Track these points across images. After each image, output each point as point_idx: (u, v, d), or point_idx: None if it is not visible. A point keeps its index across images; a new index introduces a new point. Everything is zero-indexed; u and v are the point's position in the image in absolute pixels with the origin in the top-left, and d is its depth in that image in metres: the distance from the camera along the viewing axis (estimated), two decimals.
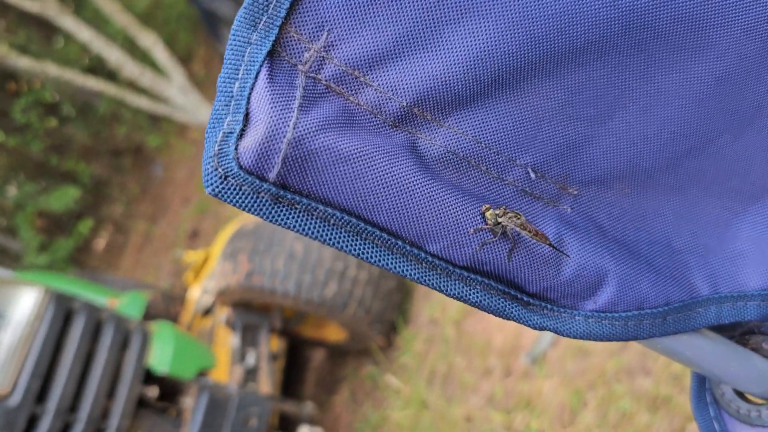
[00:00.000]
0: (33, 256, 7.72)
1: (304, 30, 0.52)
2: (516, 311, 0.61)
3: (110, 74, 7.22)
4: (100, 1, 5.75)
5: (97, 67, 7.87)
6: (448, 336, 3.39)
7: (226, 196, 0.51)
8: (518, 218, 0.57)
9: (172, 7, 8.50)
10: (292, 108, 0.51)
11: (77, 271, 6.90)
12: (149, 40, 5.76)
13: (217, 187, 0.50)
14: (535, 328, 0.62)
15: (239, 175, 0.50)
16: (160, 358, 3.09)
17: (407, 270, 0.57)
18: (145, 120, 8.62)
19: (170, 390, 3.24)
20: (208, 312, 3.93)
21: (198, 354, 3.34)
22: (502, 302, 0.60)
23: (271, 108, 0.50)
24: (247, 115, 0.50)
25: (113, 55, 5.70)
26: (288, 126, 0.50)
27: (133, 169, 9.65)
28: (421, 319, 3.63)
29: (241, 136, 0.50)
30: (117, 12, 5.74)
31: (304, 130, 0.50)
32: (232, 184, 0.50)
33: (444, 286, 0.58)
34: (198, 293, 4.04)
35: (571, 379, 2.68)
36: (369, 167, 0.53)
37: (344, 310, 3.33)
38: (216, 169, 0.50)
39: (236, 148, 0.50)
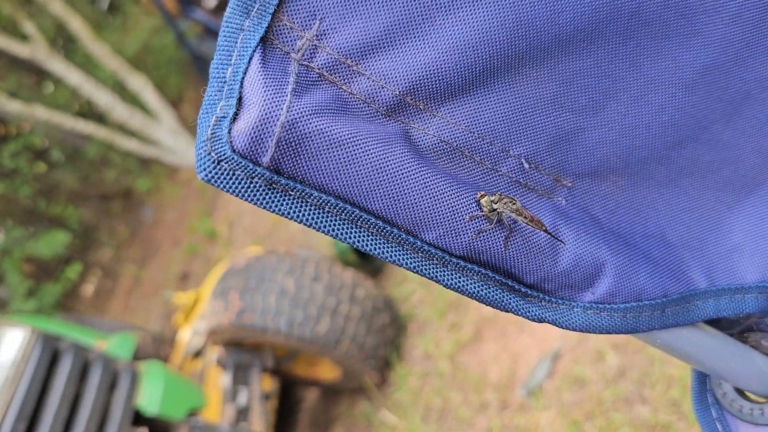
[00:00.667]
0: (20, 302, 7.62)
1: (297, 18, 0.53)
2: (514, 302, 0.60)
3: (100, 118, 7.26)
4: (90, 44, 5.81)
5: (87, 112, 7.91)
6: (442, 371, 3.34)
7: (219, 181, 0.50)
8: (513, 204, 0.57)
9: (162, 51, 8.61)
10: (285, 92, 0.51)
11: (64, 315, 6.80)
12: (139, 83, 5.81)
13: (210, 172, 0.50)
14: (534, 320, 0.61)
15: (233, 159, 0.49)
16: (150, 398, 3.02)
17: (403, 259, 0.56)
18: (135, 163, 8.63)
19: (160, 431, 3.17)
20: (198, 354, 3.87)
21: (188, 394, 3.27)
22: (500, 293, 0.59)
23: (265, 91, 0.50)
24: (240, 100, 0.50)
25: (103, 98, 5.74)
26: (281, 109, 0.50)
27: (122, 213, 9.61)
28: (415, 355, 3.58)
29: (234, 119, 0.50)
30: (107, 56, 5.80)
31: (297, 113, 0.50)
32: (225, 169, 0.50)
33: (441, 276, 0.57)
34: (188, 335, 3.98)
35: (568, 410, 2.65)
36: (363, 152, 0.53)
37: (337, 347, 3.28)
38: (209, 154, 0.50)
39: (229, 132, 0.50)
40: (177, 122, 5.94)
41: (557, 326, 0.62)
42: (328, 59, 0.54)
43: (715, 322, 0.76)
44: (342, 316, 3.33)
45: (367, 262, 4.24)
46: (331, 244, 4.46)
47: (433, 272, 0.57)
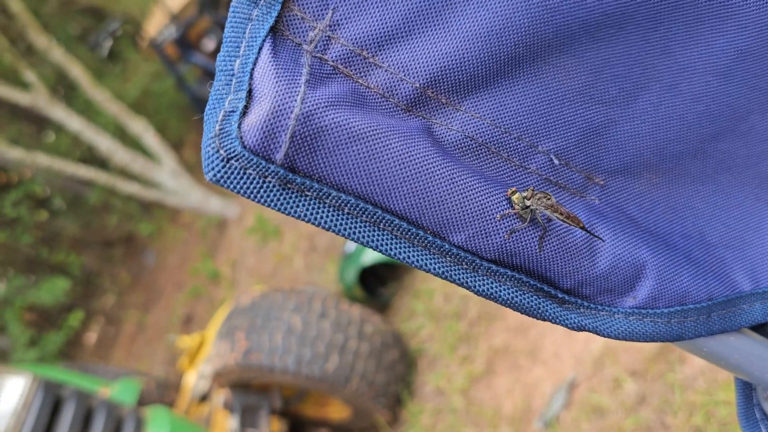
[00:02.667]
0: (21, 352, 7.51)
1: (308, 8, 0.49)
2: (551, 310, 0.55)
3: (101, 163, 7.27)
4: (91, 91, 5.84)
5: (89, 158, 7.92)
6: (455, 406, 3.25)
7: (229, 181, 0.46)
8: (548, 199, 0.52)
9: (162, 96, 8.67)
10: (299, 83, 0.47)
11: (67, 363, 6.70)
12: (140, 127, 5.83)
13: (219, 171, 0.46)
14: (573, 328, 0.56)
15: (243, 155, 0.45)
16: None
17: (430, 264, 0.51)
18: (136, 208, 8.62)
19: None
20: (204, 398, 3.78)
21: None
22: (536, 300, 0.55)
23: (277, 82, 0.46)
24: (250, 92, 0.46)
25: (104, 143, 5.75)
26: (296, 100, 0.46)
27: (124, 258, 9.56)
28: (426, 391, 3.49)
29: (244, 113, 0.46)
30: (107, 101, 5.82)
31: (313, 104, 0.46)
32: (235, 168, 0.46)
33: (471, 281, 0.53)
34: (194, 379, 3.90)
35: None
36: (384, 147, 0.48)
37: (347, 385, 3.20)
38: (218, 151, 0.45)
39: (239, 126, 0.46)
40: (178, 165, 5.94)
41: (598, 334, 0.57)
42: (342, 51, 0.50)
43: (759, 329, 0.71)
44: (351, 353, 3.25)
45: (374, 297, 4.17)
46: (336, 280, 4.40)
47: (462, 278, 0.52)
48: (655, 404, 2.41)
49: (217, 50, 6.25)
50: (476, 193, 0.51)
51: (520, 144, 0.56)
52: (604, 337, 0.57)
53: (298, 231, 5.60)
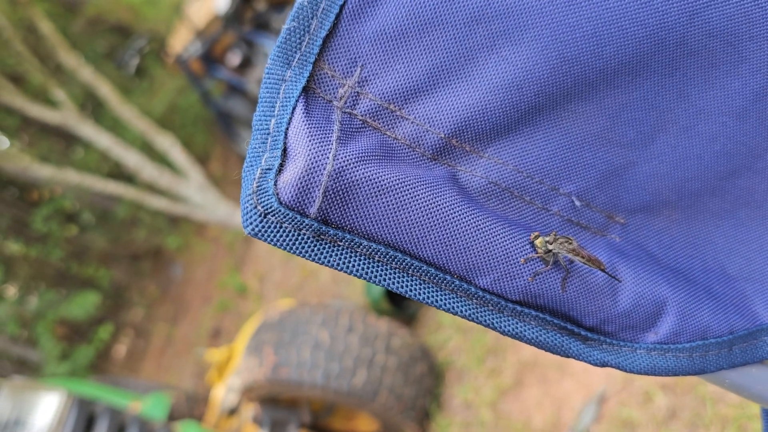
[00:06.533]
0: (54, 366, 7.65)
1: (338, 66, 0.52)
2: (575, 347, 0.57)
3: (129, 178, 7.39)
4: (119, 108, 5.95)
5: (117, 173, 8.07)
6: (484, 419, 3.25)
7: (266, 235, 0.49)
8: (570, 243, 0.55)
9: (188, 111, 8.80)
10: (330, 140, 0.49)
11: (98, 376, 6.81)
12: (167, 143, 5.92)
13: (257, 226, 0.49)
14: (597, 365, 0.58)
15: (279, 211, 0.48)
16: None
17: (458, 307, 0.54)
18: (164, 222, 8.74)
19: None
20: (233, 411, 3.82)
21: None
22: (560, 338, 0.57)
23: (310, 141, 0.49)
24: (284, 151, 0.49)
25: (132, 159, 5.84)
26: (328, 158, 0.49)
27: (152, 272, 9.69)
28: (454, 404, 3.50)
29: (280, 171, 0.49)
30: (135, 118, 5.93)
31: (344, 161, 0.49)
32: (272, 222, 0.49)
33: (497, 322, 0.55)
34: (222, 392, 3.94)
35: None
36: (412, 198, 0.51)
37: (375, 399, 3.22)
38: (255, 207, 0.48)
39: (275, 184, 0.48)
40: (204, 179, 6.02)
41: (621, 370, 0.59)
42: (370, 105, 0.53)
43: None
44: (378, 367, 3.27)
45: (401, 310, 4.19)
46: (363, 294, 4.43)
47: (489, 319, 0.54)
48: (687, 418, 2.39)
49: (241, 65, 6.34)
50: (500, 238, 0.54)
51: (542, 187, 0.58)
52: (627, 372, 0.59)
53: None
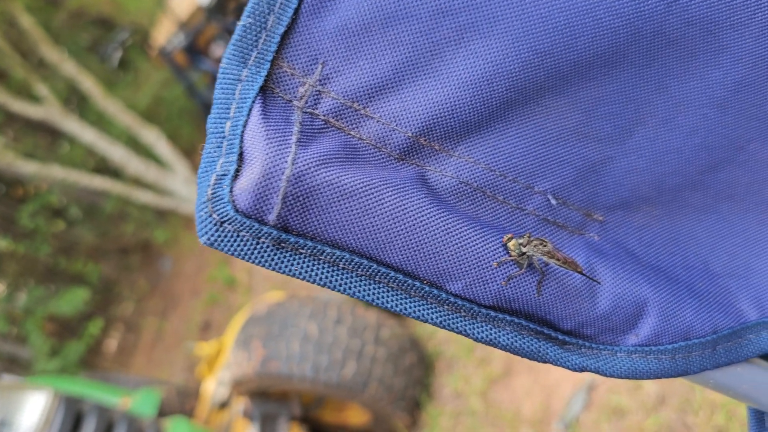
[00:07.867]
0: (44, 362, 7.59)
1: (298, 64, 0.49)
2: (552, 352, 0.55)
3: (115, 173, 7.32)
4: (103, 102, 5.89)
5: (103, 168, 7.99)
6: (474, 408, 3.25)
7: (222, 244, 0.46)
8: (544, 246, 0.52)
9: (173, 103, 8.70)
10: (289, 143, 0.47)
11: (88, 373, 6.76)
12: (152, 136, 5.86)
13: (213, 235, 0.46)
14: (575, 370, 0.56)
15: (236, 219, 0.45)
16: None
17: (428, 314, 0.51)
18: (152, 216, 8.67)
19: None
20: (224, 405, 3.80)
21: None
22: (536, 343, 0.54)
23: (267, 144, 0.46)
24: (241, 155, 0.47)
25: (117, 153, 5.79)
26: (286, 162, 0.46)
27: (141, 266, 9.63)
28: (445, 393, 3.49)
29: (235, 177, 0.46)
30: (120, 112, 5.87)
31: (303, 165, 0.46)
32: (229, 231, 0.46)
33: (470, 329, 0.52)
34: (213, 386, 3.92)
35: None
36: (377, 202, 0.48)
37: (365, 390, 3.20)
38: (210, 215, 0.46)
39: (231, 190, 0.46)
40: (191, 172, 5.97)
41: (601, 374, 0.57)
42: (333, 104, 0.50)
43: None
44: (368, 358, 3.26)
45: None
46: None
47: (461, 326, 0.52)
48: (676, 404, 2.39)
49: None
50: (472, 241, 0.51)
51: (515, 186, 0.56)
52: (607, 376, 0.57)
53: None
